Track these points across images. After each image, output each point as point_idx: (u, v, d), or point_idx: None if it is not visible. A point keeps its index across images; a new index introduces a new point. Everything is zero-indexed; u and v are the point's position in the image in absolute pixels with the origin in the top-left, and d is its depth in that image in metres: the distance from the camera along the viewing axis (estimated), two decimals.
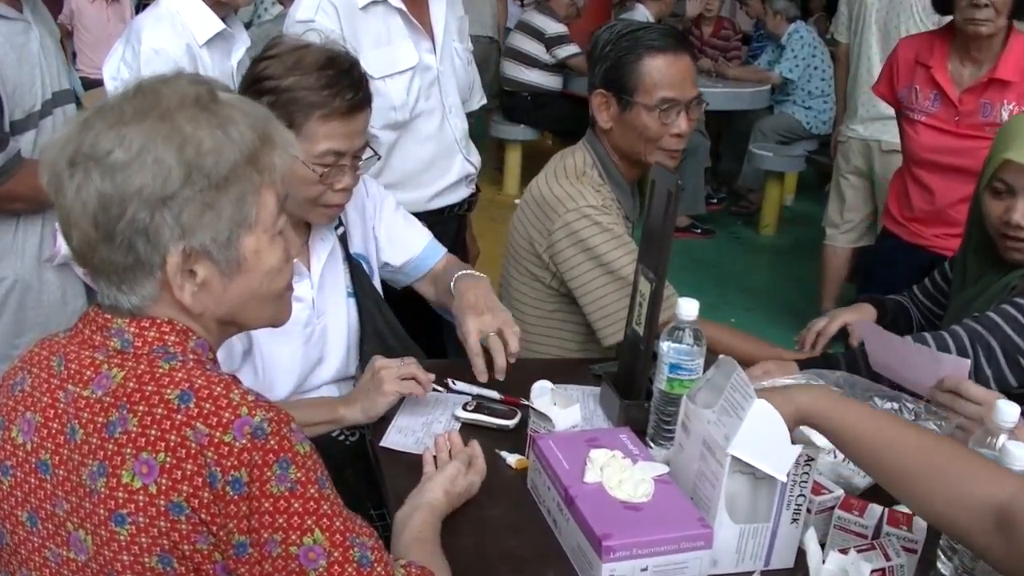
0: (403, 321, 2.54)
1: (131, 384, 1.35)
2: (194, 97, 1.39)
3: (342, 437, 2.32)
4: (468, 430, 2.11)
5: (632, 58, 2.53)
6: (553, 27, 7.64)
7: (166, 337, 1.40)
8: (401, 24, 2.97)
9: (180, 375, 1.35)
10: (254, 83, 2.19)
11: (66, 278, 2.74)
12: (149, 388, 1.34)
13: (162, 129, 1.34)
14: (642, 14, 7.43)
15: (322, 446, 2.29)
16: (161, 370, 1.36)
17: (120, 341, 1.39)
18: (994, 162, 2.27)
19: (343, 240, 2.44)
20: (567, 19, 7.74)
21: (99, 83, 3.70)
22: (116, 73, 2.75)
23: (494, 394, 2.21)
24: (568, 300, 2.59)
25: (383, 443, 2.08)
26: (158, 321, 1.40)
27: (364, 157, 2.28)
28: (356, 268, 2.46)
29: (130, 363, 1.37)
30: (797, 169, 7.65)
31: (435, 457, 1.95)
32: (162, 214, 1.34)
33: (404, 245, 2.57)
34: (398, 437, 2.10)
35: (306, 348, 2.35)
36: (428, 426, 2.14)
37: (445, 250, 2.62)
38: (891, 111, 4.92)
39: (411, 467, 1.98)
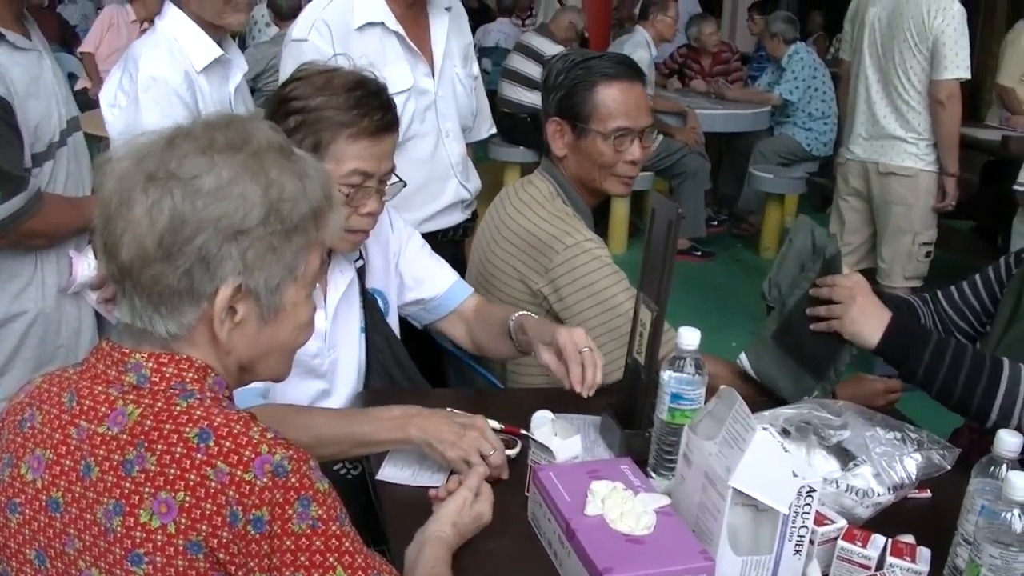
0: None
1: (148, 422, 1.34)
2: (279, 144, 1.43)
3: (344, 471, 2.30)
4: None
5: (586, 86, 2.56)
6: (552, 49, 7.63)
7: (184, 374, 1.39)
8: (398, 46, 2.97)
9: (199, 412, 1.35)
10: (281, 104, 2.20)
11: (81, 309, 2.74)
12: (167, 426, 1.33)
13: (252, 166, 1.37)
14: (642, 36, 7.45)
15: None
16: (179, 407, 1.35)
17: (136, 376, 1.38)
18: None
19: (361, 274, 2.43)
20: (566, 41, 7.74)
21: None
22: (114, 100, 2.74)
23: (494, 423, 2.18)
24: None
25: (380, 476, 2.06)
26: (177, 357, 1.40)
27: (390, 183, 2.27)
28: (370, 303, 2.44)
29: (146, 400, 1.37)
30: (798, 191, 7.64)
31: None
32: (230, 246, 1.36)
33: (429, 283, 2.55)
34: (393, 470, 2.07)
35: (314, 379, 2.34)
36: (425, 457, 2.09)
37: (472, 289, 2.59)
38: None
39: (411, 501, 1.96)
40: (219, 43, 2.84)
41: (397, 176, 2.29)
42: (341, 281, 2.36)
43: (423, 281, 2.54)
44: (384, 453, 2.11)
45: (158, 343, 1.40)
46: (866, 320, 2.30)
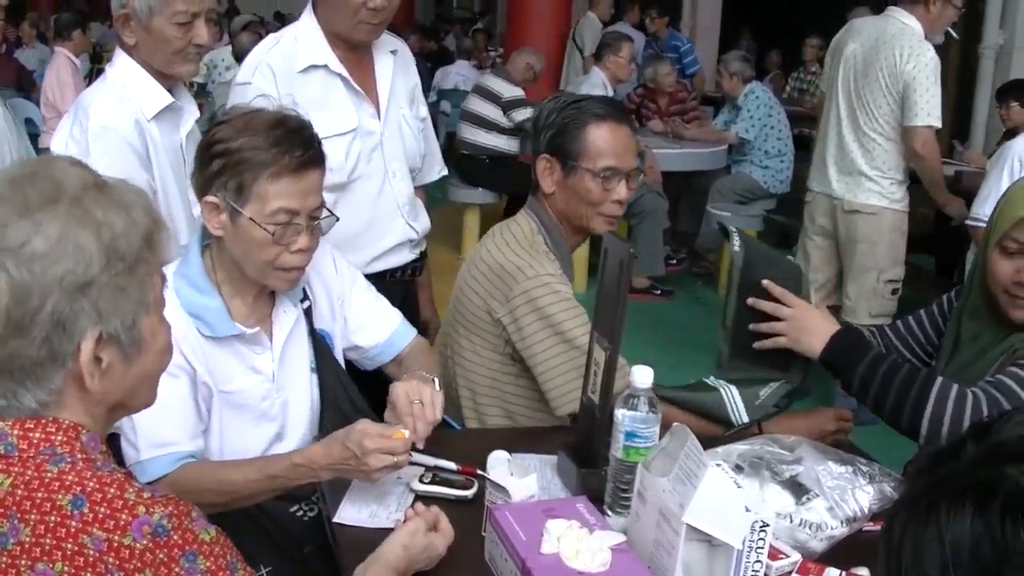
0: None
1: (20, 491, 1.30)
2: (92, 181, 1.38)
3: (300, 512, 2.29)
4: (424, 502, 2.08)
5: (577, 125, 2.60)
6: (510, 90, 7.70)
7: (53, 437, 1.35)
8: (341, 88, 2.97)
9: (71, 478, 1.31)
10: (206, 148, 2.21)
11: None
12: (39, 494, 1.29)
13: (76, 214, 1.32)
14: (598, 77, 7.53)
15: (281, 522, 2.27)
16: (50, 474, 1.31)
17: (4, 446, 1.34)
18: (1007, 220, 2.27)
19: (308, 314, 2.42)
20: (524, 82, 7.81)
21: None
22: (64, 150, 2.72)
23: (450, 464, 2.19)
24: (521, 369, 2.59)
25: (336, 518, 2.05)
26: (43, 421, 1.36)
27: (322, 216, 2.27)
28: (320, 343, 2.44)
29: (16, 468, 1.33)
30: (755, 228, 7.70)
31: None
32: (81, 302, 1.32)
33: (373, 329, 2.55)
34: (352, 512, 2.07)
35: (266, 422, 2.33)
36: (382, 499, 2.10)
37: (415, 332, 2.60)
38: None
39: (368, 543, 1.94)
40: (170, 90, 2.83)
41: (328, 210, 2.30)
42: (286, 321, 2.36)
43: (362, 328, 2.54)
44: (340, 493, 2.11)
45: (26, 412, 1.36)
46: (812, 331, 2.36)
